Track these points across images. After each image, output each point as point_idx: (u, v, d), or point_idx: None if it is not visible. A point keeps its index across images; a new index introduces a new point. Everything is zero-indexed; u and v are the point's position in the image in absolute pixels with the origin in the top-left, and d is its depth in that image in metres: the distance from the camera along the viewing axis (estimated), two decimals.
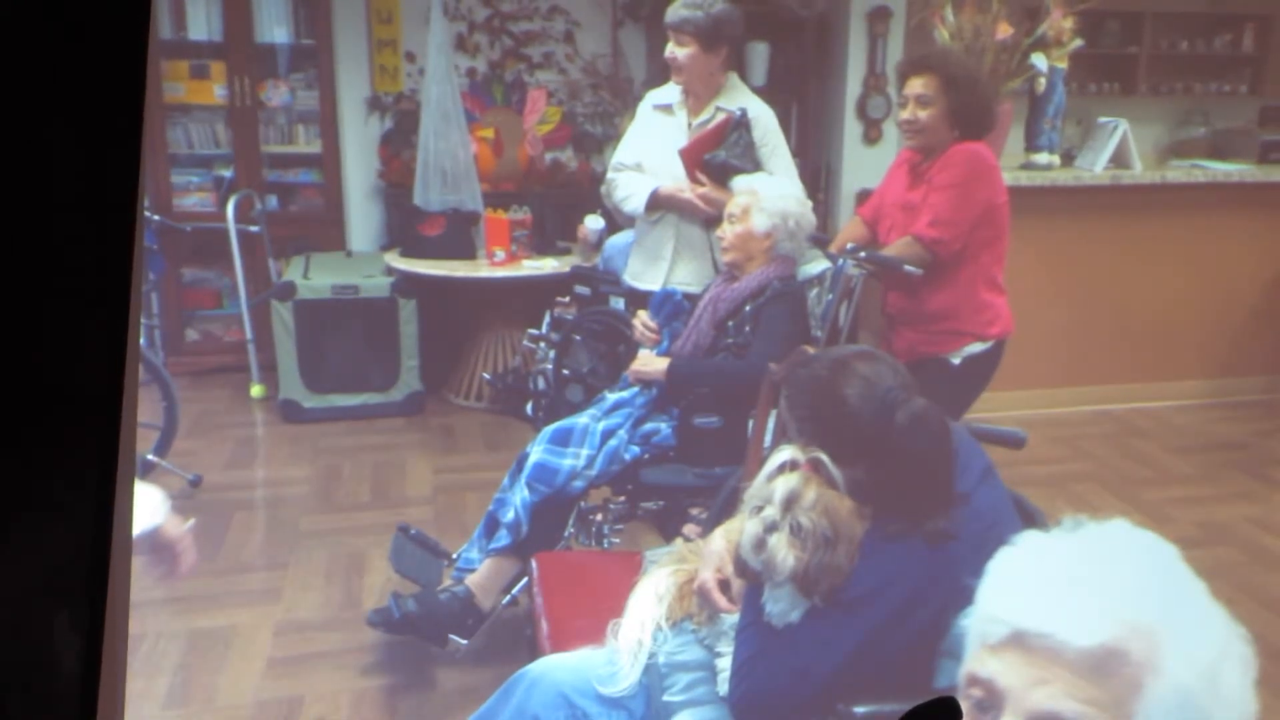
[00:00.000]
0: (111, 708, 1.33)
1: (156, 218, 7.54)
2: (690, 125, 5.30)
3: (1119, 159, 7.68)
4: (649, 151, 5.35)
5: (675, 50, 5.16)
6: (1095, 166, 7.66)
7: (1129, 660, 2.08)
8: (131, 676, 3.70)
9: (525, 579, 4.56)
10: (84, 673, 1.27)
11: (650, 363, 4.89)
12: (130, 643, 1.46)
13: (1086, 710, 2.08)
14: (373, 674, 4.61)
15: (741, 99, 5.27)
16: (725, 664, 3.00)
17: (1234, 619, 2.18)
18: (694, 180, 5.19)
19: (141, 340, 6.03)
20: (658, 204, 5.26)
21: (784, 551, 2.76)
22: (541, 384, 6.02)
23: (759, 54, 8.35)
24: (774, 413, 4.08)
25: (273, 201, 8.38)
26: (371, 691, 4.50)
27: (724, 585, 3.13)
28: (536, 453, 4.69)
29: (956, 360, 4.92)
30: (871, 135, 8.42)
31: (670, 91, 5.37)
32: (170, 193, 8.12)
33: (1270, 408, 7.92)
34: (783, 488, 2.80)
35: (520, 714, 3.20)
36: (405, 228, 7.89)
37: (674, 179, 5.24)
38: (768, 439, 4.12)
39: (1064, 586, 2.20)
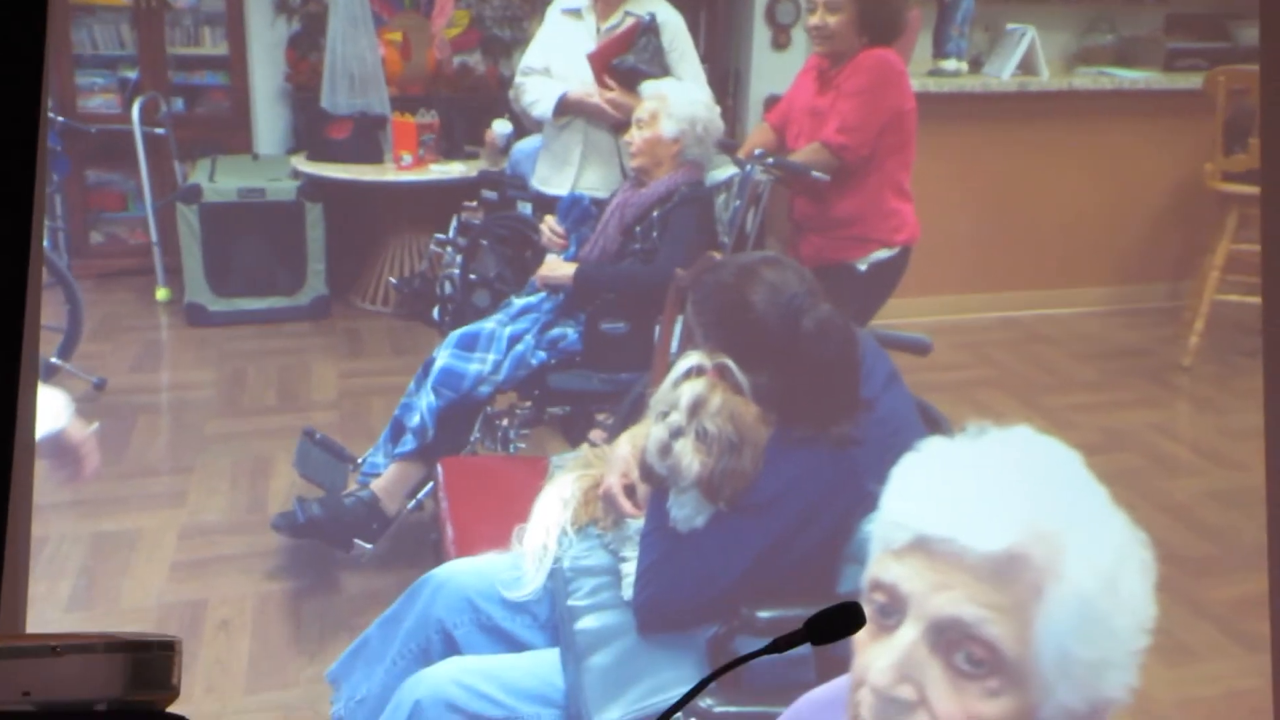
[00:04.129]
0: (14, 610, 1.32)
1: (60, 119, 7.42)
2: (599, 30, 5.27)
3: (1026, 66, 7.70)
4: (557, 56, 5.33)
5: None
6: (1003, 73, 7.68)
7: (1030, 565, 2.11)
8: (34, 579, 3.69)
9: (431, 484, 4.57)
10: None
11: (557, 268, 4.89)
12: (33, 546, 1.45)
13: (988, 614, 2.11)
14: (277, 578, 4.61)
15: (650, 4, 5.25)
16: (630, 569, 3.03)
17: (1134, 524, 2.21)
18: (602, 85, 5.17)
19: (45, 242, 5.95)
20: (566, 109, 5.24)
21: (689, 457, 2.78)
22: (448, 289, 6.00)
23: None
24: (681, 319, 4.10)
25: (179, 104, 8.24)
26: (276, 595, 4.50)
27: (629, 490, 3.15)
28: (443, 357, 4.68)
29: (863, 267, 4.93)
30: (780, 41, 8.38)
31: None
32: (75, 94, 7.96)
33: (1173, 314, 7.99)
34: (689, 393, 2.81)
35: (425, 618, 3.21)
36: (312, 131, 7.80)
37: (582, 84, 5.22)
38: (674, 345, 4.14)
39: (967, 492, 2.22)
